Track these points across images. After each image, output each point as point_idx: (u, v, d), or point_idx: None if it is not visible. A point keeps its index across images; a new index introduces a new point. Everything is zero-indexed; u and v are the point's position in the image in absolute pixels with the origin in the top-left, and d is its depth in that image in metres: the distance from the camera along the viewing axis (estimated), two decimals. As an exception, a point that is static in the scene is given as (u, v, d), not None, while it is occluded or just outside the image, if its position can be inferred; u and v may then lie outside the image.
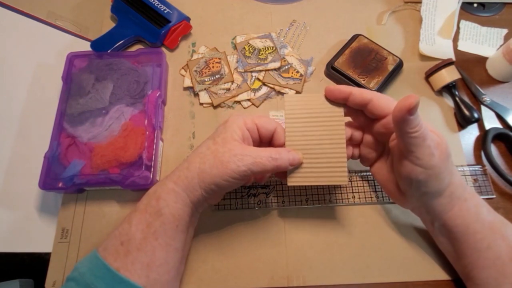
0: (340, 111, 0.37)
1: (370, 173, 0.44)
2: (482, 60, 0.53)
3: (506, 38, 0.54)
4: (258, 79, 0.51)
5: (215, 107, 0.50)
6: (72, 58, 0.49)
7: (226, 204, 0.44)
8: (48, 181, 0.42)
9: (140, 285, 0.32)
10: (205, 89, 0.50)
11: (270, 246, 0.42)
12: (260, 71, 0.52)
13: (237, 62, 0.52)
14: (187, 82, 0.51)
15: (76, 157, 0.44)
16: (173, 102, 0.51)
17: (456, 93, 0.48)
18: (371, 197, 0.44)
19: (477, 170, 0.45)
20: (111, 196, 0.45)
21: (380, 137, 0.37)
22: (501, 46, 0.51)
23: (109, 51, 0.51)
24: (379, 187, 0.44)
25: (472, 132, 0.48)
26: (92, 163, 0.43)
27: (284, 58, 0.52)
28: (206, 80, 0.51)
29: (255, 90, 0.51)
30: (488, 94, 0.49)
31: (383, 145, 0.39)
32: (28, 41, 0.51)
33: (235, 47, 0.54)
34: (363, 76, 0.49)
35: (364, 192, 0.44)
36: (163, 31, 0.52)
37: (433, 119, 0.49)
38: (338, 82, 0.51)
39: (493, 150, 0.46)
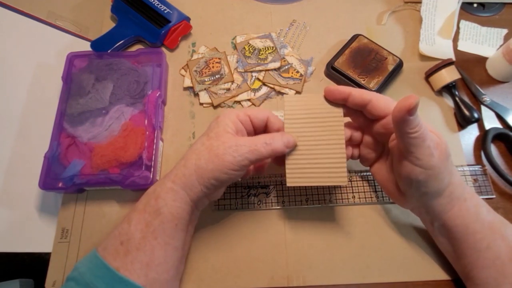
0: (340, 111, 0.37)
1: (370, 173, 0.44)
2: (482, 60, 0.53)
3: (506, 38, 0.54)
4: (258, 79, 0.51)
5: (215, 107, 0.50)
6: (72, 58, 0.49)
7: (226, 204, 0.44)
8: (48, 181, 0.42)
9: (140, 284, 0.32)
10: (205, 89, 0.50)
11: (270, 246, 0.42)
12: (260, 71, 0.52)
13: (237, 62, 0.52)
14: (187, 82, 0.51)
15: (76, 157, 0.44)
16: (173, 102, 0.51)
17: (456, 93, 0.49)
18: (371, 197, 0.44)
19: (477, 170, 0.45)
20: (111, 196, 0.45)
21: (380, 138, 0.38)
22: (501, 46, 0.51)
23: (109, 51, 0.51)
24: (379, 187, 0.44)
25: (472, 132, 0.48)
26: (92, 163, 0.43)
27: (284, 58, 0.52)
28: (206, 80, 0.51)
29: (255, 90, 0.51)
30: (488, 94, 0.49)
31: (383, 146, 0.39)
32: (28, 41, 0.51)
33: (235, 47, 0.54)
34: (363, 76, 0.49)
35: (364, 192, 0.44)
36: (163, 31, 0.52)
37: (433, 119, 0.49)
38: (338, 82, 0.51)
39: (493, 150, 0.46)
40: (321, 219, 0.43)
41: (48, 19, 0.52)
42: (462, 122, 0.48)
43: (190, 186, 0.35)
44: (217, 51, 0.54)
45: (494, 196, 0.44)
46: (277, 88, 0.50)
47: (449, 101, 0.50)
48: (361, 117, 0.38)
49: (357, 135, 0.39)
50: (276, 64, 0.51)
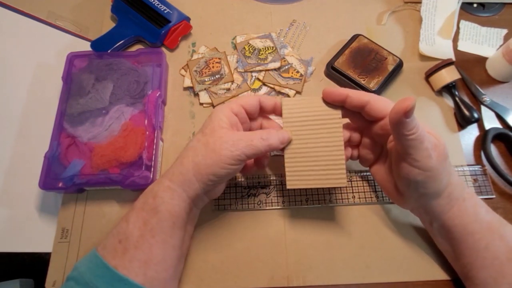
0: (338, 113, 0.37)
1: (370, 173, 0.44)
2: (482, 60, 0.53)
3: (506, 38, 0.54)
4: (258, 79, 0.51)
5: (215, 107, 0.50)
6: (72, 58, 0.49)
7: (226, 204, 0.44)
8: (48, 181, 0.42)
9: (138, 282, 0.32)
10: (205, 89, 0.50)
11: (270, 246, 0.42)
12: (260, 71, 0.52)
13: (237, 62, 0.52)
14: (187, 82, 0.51)
15: (76, 157, 0.44)
16: (173, 102, 0.51)
17: (456, 93, 0.49)
18: (371, 197, 0.44)
19: (477, 170, 0.45)
20: (111, 196, 0.45)
21: (378, 139, 0.38)
22: (500, 46, 0.51)
23: (109, 51, 0.51)
24: (379, 187, 0.44)
25: (472, 132, 0.48)
26: (92, 163, 0.43)
27: (284, 58, 0.52)
28: (206, 80, 0.51)
29: (255, 90, 0.51)
30: (488, 94, 0.49)
31: (382, 147, 0.39)
32: (28, 41, 0.51)
33: (235, 47, 0.54)
34: (363, 76, 0.49)
35: (364, 192, 0.44)
36: (163, 31, 0.52)
37: (433, 119, 0.49)
38: (338, 82, 0.51)
39: (493, 150, 0.46)
40: (321, 219, 0.43)
41: (48, 19, 0.52)
42: (462, 122, 0.48)
43: (188, 184, 0.35)
44: (217, 51, 0.54)
45: (494, 196, 0.44)
46: (277, 88, 0.50)
47: (449, 101, 0.50)
48: (359, 119, 0.38)
49: (355, 136, 0.40)
50: (276, 64, 0.51)
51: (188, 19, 0.55)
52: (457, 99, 0.48)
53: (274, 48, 0.53)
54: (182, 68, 0.53)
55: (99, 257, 0.33)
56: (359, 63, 0.50)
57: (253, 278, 0.41)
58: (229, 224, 0.43)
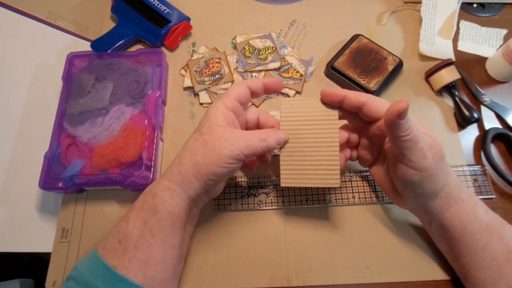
0: (335, 115, 0.37)
1: (370, 173, 0.45)
2: (481, 60, 0.53)
3: (506, 38, 0.54)
4: (258, 79, 0.51)
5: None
6: (72, 58, 0.49)
7: (226, 204, 0.44)
8: (48, 181, 0.42)
9: (138, 282, 0.32)
10: (205, 89, 0.50)
11: (270, 246, 0.42)
12: (260, 71, 0.52)
13: (237, 62, 0.52)
14: (187, 82, 0.51)
15: (76, 157, 0.44)
16: (173, 102, 0.51)
17: (456, 93, 0.49)
18: (371, 197, 0.44)
19: (477, 170, 0.45)
20: (111, 196, 0.45)
21: (376, 140, 0.38)
22: (500, 46, 0.51)
23: (109, 51, 0.51)
24: (379, 187, 0.44)
25: (472, 132, 0.48)
26: (92, 163, 0.43)
27: (284, 58, 0.52)
28: (206, 80, 0.51)
29: (255, 90, 0.51)
30: (488, 94, 0.49)
31: (380, 147, 0.39)
32: (28, 41, 0.51)
33: (235, 47, 0.54)
34: (363, 76, 0.49)
35: (364, 192, 0.44)
36: (163, 31, 0.52)
37: (433, 119, 0.49)
38: (338, 82, 0.51)
39: (493, 150, 0.46)
40: (321, 219, 0.43)
41: (48, 19, 0.52)
42: (462, 122, 0.48)
43: (187, 183, 0.34)
44: (217, 51, 0.54)
45: (494, 196, 0.44)
46: (277, 88, 0.50)
47: (449, 101, 0.50)
48: (357, 120, 0.38)
49: (354, 137, 0.40)
50: (276, 64, 0.51)
51: (188, 19, 0.55)
52: (457, 99, 0.48)
53: (274, 48, 0.53)
54: (182, 68, 0.53)
55: (99, 257, 0.33)
56: (359, 63, 0.50)
57: (253, 278, 0.41)
58: (229, 224, 0.43)
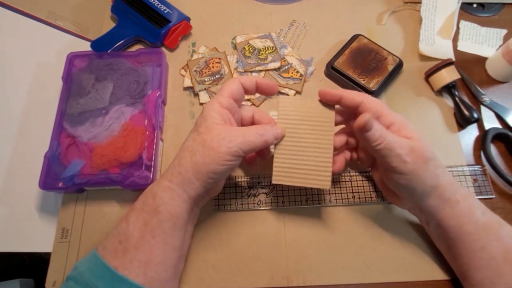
0: (331, 117, 0.38)
1: (370, 173, 0.45)
2: (481, 60, 0.53)
3: (506, 39, 0.54)
4: (258, 79, 0.51)
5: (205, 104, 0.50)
6: (72, 58, 0.49)
7: (226, 204, 0.44)
8: (48, 181, 0.42)
9: (138, 283, 0.32)
10: (205, 89, 0.50)
11: (270, 246, 0.42)
12: (260, 71, 0.52)
13: (237, 62, 0.52)
14: (187, 82, 0.51)
15: (76, 157, 0.44)
16: (173, 102, 0.51)
17: (456, 93, 0.49)
18: (371, 197, 0.44)
19: (477, 170, 0.45)
20: (111, 196, 0.45)
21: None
22: (500, 46, 0.51)
23: (109, 51, 0.51)
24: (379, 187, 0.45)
25: (471, 132, 0.48)
26: (92, 163, 0.43)
27: (284, 58, 0.52)
28: (206, 80, 0.51)
29: (255, 90, 0.51)
30: (488, 94, 0.49)
31: None
32: (28, 41, 0.51)
33: (235, 47, 0.54)
34: (363, 76, 0.49)
35: (364, 192, 0.44)
36: (163, 31, 0.52)
37: (432, 119, 0.49)
38: (338, 82, 0.51)
39: (493, 150, 0.46)
40: (321, 219, 0.43)
41: (48, 19, 0.52)
42: (462, 122, 0.48)
43: (188, 184, 0.35)
44: (217, 51, 0.54)
45: (493, 196, 0.44)
46: (277, 88, 0.50)
47: (448, 101, 0.50)
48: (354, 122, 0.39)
49: (352, 140, 0.41)
50: (276, 64, 0.51)
51: (188, 19, 0.55)
52: (457, 99, 0.48)
53: (274, 48, 0.53)
54: (182, 68, 0.53)
55: (99, 258, 0.33)
56: (359, 63, 0.50)
57: (253, 278, 0.41)
58: (229, 224, 0.43)
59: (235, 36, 0.55)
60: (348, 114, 0.39)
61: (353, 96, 0.36)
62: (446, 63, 0.48)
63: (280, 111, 0.38)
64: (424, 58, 0.52)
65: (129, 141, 0.43)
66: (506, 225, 0.35)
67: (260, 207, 0.44)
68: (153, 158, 0.43)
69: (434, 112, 0.49)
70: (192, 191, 0.35)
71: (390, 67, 0.49)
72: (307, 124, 0.38)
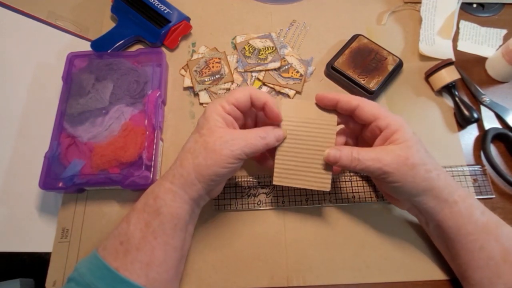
0: (333, 121, 0.38)
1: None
2: (481, 60, 0.53)
3: (506, 39, 0.54)
4: (258, 79, 0.51)
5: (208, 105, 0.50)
6: (72, 58, 0.49)
7: (226, 204, 0.44)
8: (48, 181, 0.42)
9: (140, 284, 0.32)
10: (205, 89, 0.50)
11: (270, 246, 0.42)
12: (260, 71, 0.52)
13: (237, 62, 0.52)
14: (187, 82, 0.51)
15: (76, 157, 0.44)
16: (173, 102, 0.51)
17: (456, 93, 0.49)
18: (371, 197, 0.44)
19: (477, 170, 0.45)
20: (111, 196, 0.45)
21: (371, 142, 0.38)
22: (500, 46, 0.51)
23: (109, 51, 0.51)
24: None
25: (471, 132, 0.48)
26: (92, 163, 0.43)
27: (284, 58, 0.52)
28: (206, 80, 0.51)
29: (255, 90, 0.51)
30: (488, 94, 0.49)
31: None
32: (28, 41, 0.51)
33: (235, 47, 0.54)
34: (363, 76, 0.49)
35: (364, 192, 0.44)
36: (163, 31, 0.52)
37: (432, 119, 0.49)
38: (338, 82, 0.51)
39: (493, 150, 0.46)
40: (321, 219, 0.43)
41: (48, 19, 0.52)
42: (462, 122, 0.48)
43: (190, 185, 0.35)
44: (217, 51, 0.54)
45: (493, 196, 0.44)
46: (277, 88, 0.50)
47: (448, 101, 0.50)
48: (352, 123, 0.39)
49: (350, 141, 0.41)
50: (276, 64, 0.51)
51: (188, 19, 0.55)
52: (456, 99, 0.48)
53: (274, 48, 0.53)
54: (182, 68, 0.53)
55: (100, 259, 0.33)
56: (359, 63, 0.50)
57: (253, 278, 0.41)
58: (229, 224, 0.43)
59: (235, 36, 0.55)
60: (347, 115, 0.39)
61: (349, 100, 0.36)
62: (446, 63, 0.48)
63: (283, 113, 0.39)
64: (424, 58, 0.52)
65: (129, 141, 0.43)
66: (505, 225, 0.35)
67: (260, 207, 0.44)
68: (153, 158, 0.43)
69: (434, 112, 0.49)
70: (194, 192, 0.35)
71: (390, 67, 0.49)
72: (309, 126, 0.38)
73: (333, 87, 0.52)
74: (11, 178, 0.46)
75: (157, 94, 0.47)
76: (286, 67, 0.52)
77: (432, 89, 0.51)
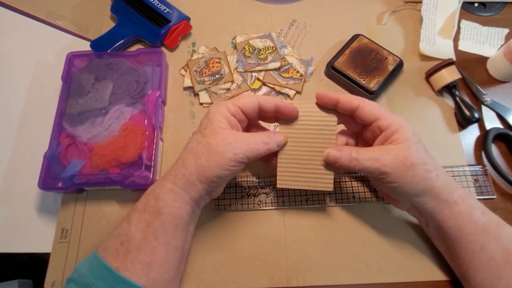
0: (333, 121, 0.38)
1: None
2: (482, 60, 0.53)
3: (507, 38, 0.54)
4: (258, 79, 0.51)
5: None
6: (72, 58, 0.49)
7: (226, 204, 0.44)
8: (48, 181, 0.42)
9: (141, 284, 0.32)
10: (205, 89, 0.50)
11: (270, 246, 0.42)
12: (260, 71, 0.51)
13: (237, 62, 0.52)
14: (187, 82, 0.51)
15: (76, 157, 0.44)
16: (173, 102, 0.51)
17: (457, 93, 0.48)
18: (371, 197, 0.44)
19: (478, 170, 0.45)
20: (111, 196, 0.45)
21: (371, 143, 0.38)
22: (502, 46, 0.51)
23: (109, 51, 0.51)
24: (379, 187, 0.45)
25: (472, 132, 0.48)
26: (92, 163, 0.43)
27: (284, 58, 0.52)
28: (206, 80, 0.51)
29: (255, 90, 0.51)
30: (489, 94, 0.49)
31: None
32: (28, 41, 0.51)
33: (235, 47, 0.54)
34: (363, 76, 0.49)
35: (364, 192, 0.44)
36: (163, 31, 0.52)
37: (433, 119, 0.49)
38: (338, 82, 0.51)
39: (494, 150, 0.46)
40: (321, 219, 0.43)
41: (48, 19, 0.52)
42: (463, 122, 0.47)
43: (191, 186, 0.35)
44: (217, 51, 0.53)
45: (495, 197, 0.44)
46: (277, 88, 0.50)
47: (449, 101, 0.50)
48: (352, 123, 0.39)
49: (351, 140, 0.41)
50: (276, 64, 0.51)
51: (188, 19, 0.55)
52: (457, 99, 0.48)
53: (274, 48, 0.53)
54: (182, 68, 0.53)
55: (100, 259, 0.33)
56: (359, 63, 0.50)
57: (253, 278, 0.41)
58: (229, 224, 0.43)
59: (235, 36, 0.55)
60: (347, 115, 0.39)
61: (349, 100, 0.36)
62: (447, 63, 0.48)
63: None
64: (424, 58, 0.52)
65: (129, 141, 0.43)
66: (506, 225, 0.35)
67: (260, 207, 0.44)
68: (153, 158, 0.43)
69: (434, 112, 0.49)
70: (195, 193, 0.35)
71: (391, 67, 0.49)
72: (310, 127, 0.38)
73: (333, 87, 0.51)
74: (10, 178, 0.46)
75: (157, 94, 0.47)
76: (286, 67, 0.52)
77: (433, 89, 0.50)
